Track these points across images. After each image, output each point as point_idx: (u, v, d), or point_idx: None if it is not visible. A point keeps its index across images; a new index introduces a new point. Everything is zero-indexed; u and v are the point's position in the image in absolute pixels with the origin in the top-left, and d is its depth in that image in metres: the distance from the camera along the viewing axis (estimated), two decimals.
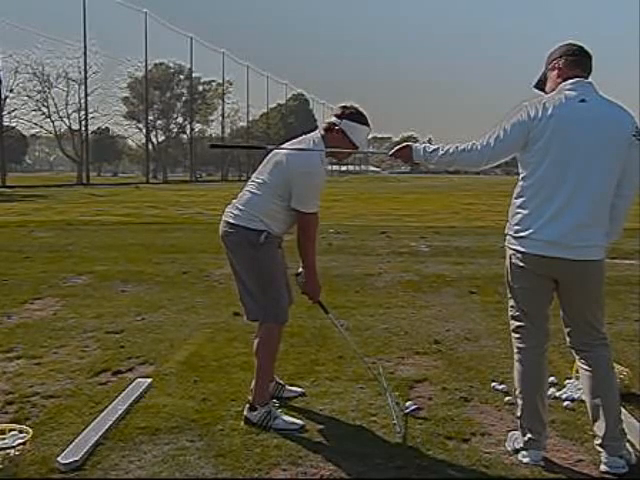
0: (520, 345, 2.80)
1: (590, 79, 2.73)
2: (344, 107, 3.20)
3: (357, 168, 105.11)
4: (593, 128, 2.60)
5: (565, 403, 3.40)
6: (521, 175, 2.73)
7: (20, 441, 2.69)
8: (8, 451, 2.62)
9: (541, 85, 2.88)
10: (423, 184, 47.84)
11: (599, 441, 2.70)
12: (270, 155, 3.24)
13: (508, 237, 2.78)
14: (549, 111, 2.62)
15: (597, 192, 2.62)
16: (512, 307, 2.84)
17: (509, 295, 2.85)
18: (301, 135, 3.28)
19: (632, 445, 2.83)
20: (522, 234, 2.68)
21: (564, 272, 2.67)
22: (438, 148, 2.86)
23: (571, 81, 2.69)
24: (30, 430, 2.82)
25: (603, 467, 2.67)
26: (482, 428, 3.11)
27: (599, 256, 2.68)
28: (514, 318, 2.83)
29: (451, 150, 2.81)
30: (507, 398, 3.45)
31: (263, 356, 3.15)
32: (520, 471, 2.68)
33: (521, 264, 2.71)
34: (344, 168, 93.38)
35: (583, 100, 2.64)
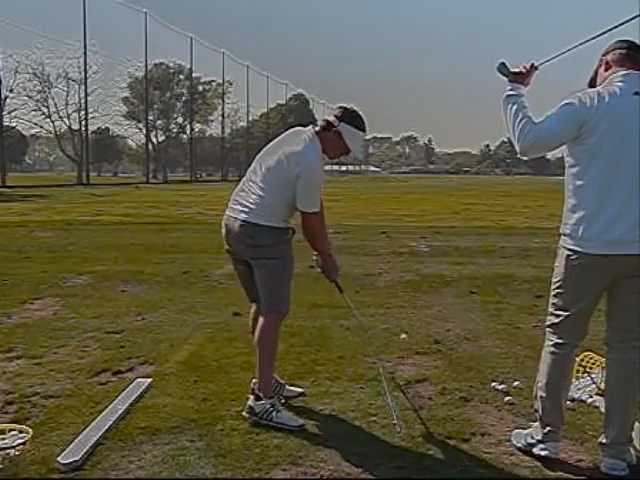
0: (557, 340, 2.77)
1: None
2: (344, 109, 3.19)
3: (357, 168, 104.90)
4: None
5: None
6: (572, 171, 2.68)
7: (20, 441, 2.70)
8: (8, 451, 2.62)
9: (593, 83, 2.84)
10: (423, 184, 47.85)
11: (605, 440, 2.70)
12: (265, 152, 3.25)
13: (564, 237, 2.73)
14: (604, 103, 2.59)
15: None
16: (554, 304, 2.79)
17: (554, 291, 2.79)
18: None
19: (632, 445, 2.83)
20: (581, 234, 2.63)
21: (624, 268, 2.63)
22: (524, 106, 2.76)
23: (621, 73, 2.66)
24: (30, 430, 2.82)
25: (604, 468, 2.67)
26: (482, 428, 3.11)
27: None
28: (555, 315, 2.79)
29: (526, 109, 2.74)
30: (507, 398, 3.45)
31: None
32: (520, 471, 2.69)
33: (580, 264, 2.67)
34: (344, 168, 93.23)
35: (637, 93, 2.60)
